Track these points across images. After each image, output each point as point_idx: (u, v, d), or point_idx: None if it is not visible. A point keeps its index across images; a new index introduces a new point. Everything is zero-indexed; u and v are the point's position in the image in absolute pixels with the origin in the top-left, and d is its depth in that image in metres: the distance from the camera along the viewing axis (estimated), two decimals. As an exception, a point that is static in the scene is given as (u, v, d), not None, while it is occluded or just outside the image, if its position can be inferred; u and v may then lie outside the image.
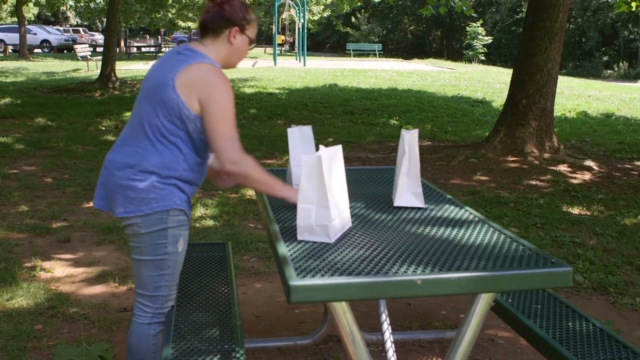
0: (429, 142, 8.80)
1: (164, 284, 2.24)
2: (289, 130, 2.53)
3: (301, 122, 10.15)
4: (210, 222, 4.94)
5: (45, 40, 35.08)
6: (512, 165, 7.22)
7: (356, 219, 2.23)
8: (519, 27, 34.76)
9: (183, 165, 2.16)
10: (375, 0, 16.08)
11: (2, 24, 36.83)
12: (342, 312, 1.75)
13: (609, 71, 33.68)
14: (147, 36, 41.50)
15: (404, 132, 2.36)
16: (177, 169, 2.15)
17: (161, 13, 27.28)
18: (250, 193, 5.84)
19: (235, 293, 2.57)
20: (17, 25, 28.22)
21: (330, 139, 8.74)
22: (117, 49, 23.98)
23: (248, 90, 14.24)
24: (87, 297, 3.52)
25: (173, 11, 28.11)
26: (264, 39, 48.94)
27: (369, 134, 9.40)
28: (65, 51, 34.37)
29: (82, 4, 26.80)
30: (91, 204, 5.33)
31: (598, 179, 6.79)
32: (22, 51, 27.37)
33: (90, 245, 4.42)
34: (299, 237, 1.98)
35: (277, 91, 14.38)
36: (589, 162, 7.34)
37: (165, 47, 33.64)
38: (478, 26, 37.28)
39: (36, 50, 33.53)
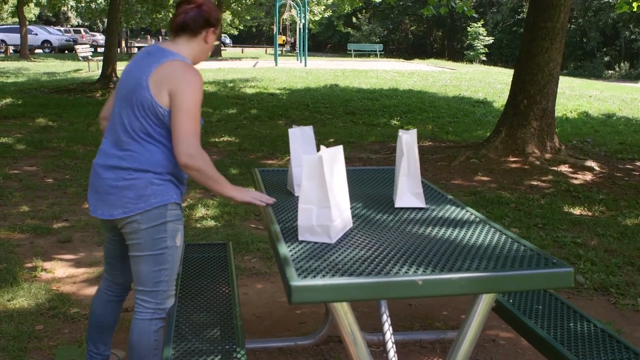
0: (430, 143, 8.80)
1: (163, 278, 2.27)
2: (290, 130, 2.54)
3: (302, 123, 10.15)
4: (211, 223, 4.95)
5: (46, 41, 35.10)
6: (513, 165, 7.21)
7: (357, 220, 2.23)
8: (520, 27, 34.74)
9: (173, 161, 2.22)
10: (376, 1, 16.04)
11: (3, 25, 36.90)
12: (343, 312, 1.75)
13: (610, 71, 33.65)
14: (148, 36, 41.48)
15: (401, 133, 2.36)
16: (168, 165, 2.22)
17: (162, 13, 27.31)
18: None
19: (236, 293, 2.58)
20: (18, 26, 28.20)
21: (331, 140, 8.74)
22: (118, 49, 23.96)
23: (249, 91, 14.24)
24: (88, 298, 3.52)
25: (174, 11, 28.11)
26: (264, 39, 48.97)
27: (370, 135, 9.40)
28: (66, 51, 34.38)
29: (83, 5, 26.88)
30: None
31: (599, 179, 6.78)
32: (23, 51, 27.37)
33: (91, 246, 4.42)
34: (300, 238, 1.98)
35: (278, 91, 14.38)
36: (590, 163, 7.33)
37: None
38: (479, 26, 37.25)
39: (37, 51, 33.53)
